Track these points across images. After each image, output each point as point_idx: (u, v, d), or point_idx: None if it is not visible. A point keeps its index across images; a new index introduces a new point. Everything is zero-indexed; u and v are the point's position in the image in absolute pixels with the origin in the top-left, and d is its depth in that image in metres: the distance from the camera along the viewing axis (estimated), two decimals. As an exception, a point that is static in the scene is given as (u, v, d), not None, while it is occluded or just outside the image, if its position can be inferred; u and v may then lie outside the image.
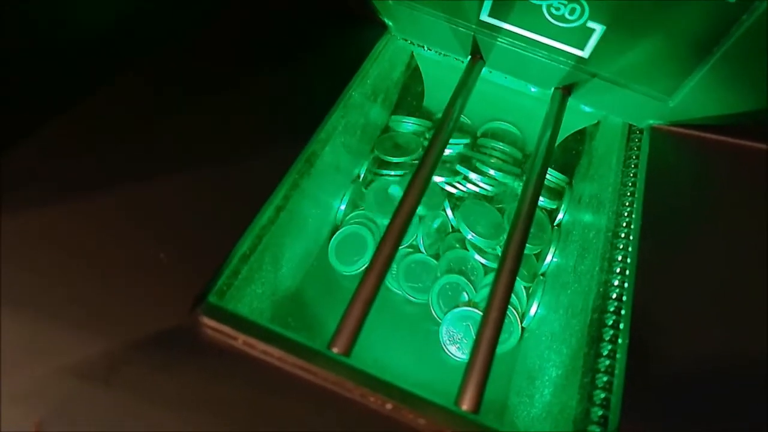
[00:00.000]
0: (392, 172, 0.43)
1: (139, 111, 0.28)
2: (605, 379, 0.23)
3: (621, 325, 0.25)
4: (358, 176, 0.43)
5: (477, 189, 0.43)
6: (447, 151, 0.44)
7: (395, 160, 0.43)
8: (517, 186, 0.43)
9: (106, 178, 0.25)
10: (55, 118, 0.26)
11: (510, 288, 0.25)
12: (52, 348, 0.20)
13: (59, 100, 0.27)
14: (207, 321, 0.22)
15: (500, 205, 0.43)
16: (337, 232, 0.41)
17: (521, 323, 0.38)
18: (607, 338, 0.25)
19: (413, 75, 0.45)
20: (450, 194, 0.43)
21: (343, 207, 0.41)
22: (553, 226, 0.42)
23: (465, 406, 0.22)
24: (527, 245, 0.37)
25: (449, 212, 0.42)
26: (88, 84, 0.28)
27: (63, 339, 0.21)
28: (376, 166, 0.44)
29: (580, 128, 0.41)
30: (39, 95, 0.27)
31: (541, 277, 0.40)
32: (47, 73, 0.27)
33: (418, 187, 0.28)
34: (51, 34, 0.27)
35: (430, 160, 0.29)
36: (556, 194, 0.43)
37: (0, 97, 0.25)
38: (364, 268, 0.39)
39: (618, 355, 0.24)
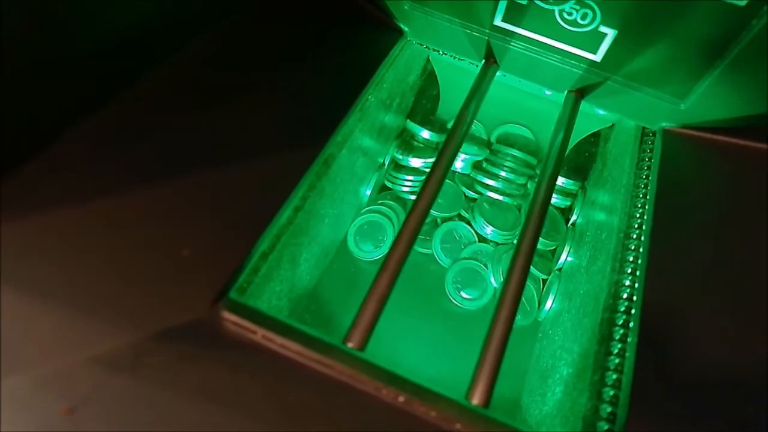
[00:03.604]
0: (408, 177, 0.44)
1: (160, 113, 0.28)
2: (614, 376, 0.24)
3: (631, 324, 0.25)
4: (383, 163, 0.45)
5: (495, 196, 0.43)
6: (463, 156, 0.45)
7: (409, 162, 0.44)
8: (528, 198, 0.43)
9: (132, 178, 0.26)
10: (77, 120, 0.27)
11: (522, 285, 0.25)
12: (81, 339, 0.21)
13: (81, 102, 0.27)
14: (228, 315, 0.22)
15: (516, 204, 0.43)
16: (357, 219, 0.43)
17: (537, 307, 0.39)
18: (617, 337, 0.25)
19: (429, 78, 0.46)
20: (465, 197, 0.44)
21: (368, 191, 0.43)
22: (567, 226, 0.42)
23: (475, 400, 0.22)
24: (543, 240, 0.37)
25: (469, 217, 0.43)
26: (111, 87, 0.28)
27: (91, 331, 0.21)
28: (392, 167, 0.44)
29: (594, 131, 0.41)
30: (65, 97, 0.27)
31: (557, 272, 0.40)
32: (74, 75, 0.28)
33: (432, 187, 0.29)
34: (80, 35, 0.28)
35: (444, 161, 0.30)
36: (570, 196, 0.43)
37: (27, 99, 0.26)
38: (381, 256, 0.41)
39: (627, 354, 0.24)
